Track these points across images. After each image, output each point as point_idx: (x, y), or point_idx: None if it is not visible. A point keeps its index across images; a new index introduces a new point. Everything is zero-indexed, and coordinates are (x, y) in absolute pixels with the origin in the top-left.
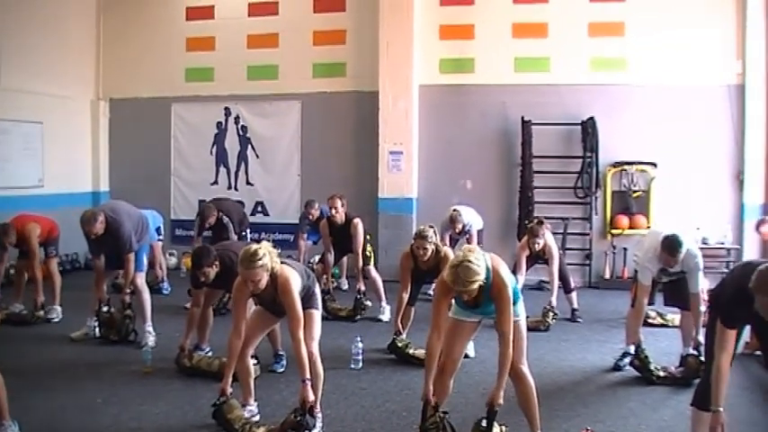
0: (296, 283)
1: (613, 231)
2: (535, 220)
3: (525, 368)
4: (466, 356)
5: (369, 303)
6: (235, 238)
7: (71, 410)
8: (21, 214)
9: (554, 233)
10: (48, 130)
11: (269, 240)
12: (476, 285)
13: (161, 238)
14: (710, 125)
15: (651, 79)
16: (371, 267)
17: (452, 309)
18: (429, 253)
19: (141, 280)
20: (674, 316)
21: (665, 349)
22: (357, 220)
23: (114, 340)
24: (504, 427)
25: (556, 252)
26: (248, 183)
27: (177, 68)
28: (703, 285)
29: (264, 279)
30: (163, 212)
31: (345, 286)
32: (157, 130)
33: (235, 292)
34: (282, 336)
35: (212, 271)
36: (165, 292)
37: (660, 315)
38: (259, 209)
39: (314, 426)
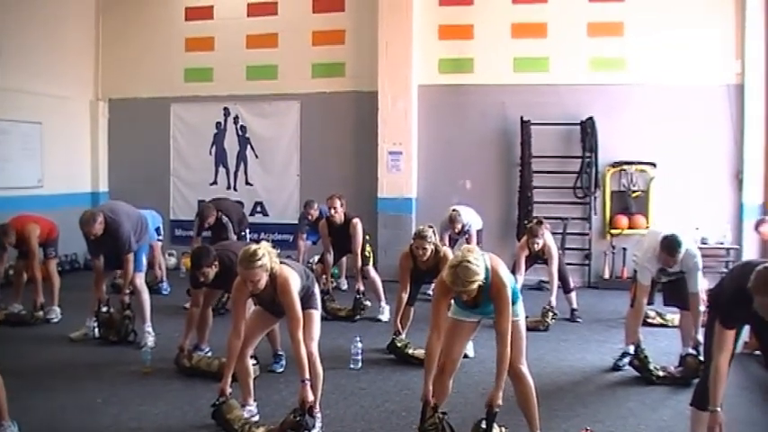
0: (295, 283)
1: (613, 231)
2: (534, 220)
3: (524, 368)
4: (465, 356)
5: (368, 303)
6: (234, 238)
7: (71, 411)
8: (20, 215)
9: (553, 233)
10: (47, 131)
11: (268, 240)
12: (475, 285)
13: (160, 238)
14: (710, 125)
15: (650, 79)
16: (370, 267)
17: (452, 309)
18: (428, 253)
19: (140, 280)
20: (674, 316)
21: (664, 349)
22: (356, 221)
23: (114, 341)
24: (503, 428)
25: (555, 252)
26: (247, 183)
27: (176, 69)
28: (702, 285)
29: (264, 279)
30: (162, 213)
31: (345, 286)
32: (157, 130)
33: (234, 293)
34: (282, 336)
35: (211, 271)
36: (164, 292)
37: (659, 315)
38: (258, 209)
39: (313, 426)
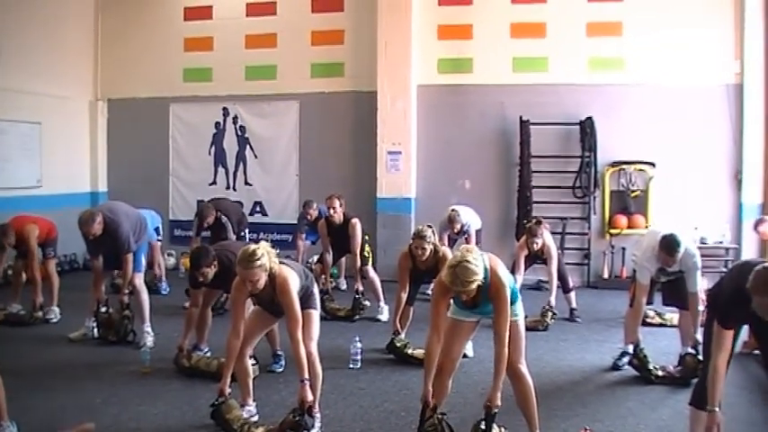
0: (294, 283)
1: (612, 231)
2: (533, 220)
3: (524, 368)
4: (464, 356)
5: (367, 303)
6: (233, 238)
7: (70, 411)
8: (19, 215)
9: (552, 233)
10: (46, 131)
11: (267, 240)
12: (474, 285)
13: (160, 238)
14: (709, 125)
15: (649, 79)
16: (369, 267)
17: (451, 308)
18: (427, 253)
19: (140, 280)
20: (673, 315)
21: (663, 349)
22: (355, 221)
23: (113, 341)
24: (503, 429)
25: (554, 252)
26: (247, 183)
27: (175, 69)
28: (701, 285)
29: (263, 279)
30: (161, 213)
31: (344, 286)
32: (156, 130)
33: (233, 292)
34: (281, 336)
35: (211, 271)
36: (163, 292)
37: (659, 314)
38: (257, 209)
39: (312, 426)
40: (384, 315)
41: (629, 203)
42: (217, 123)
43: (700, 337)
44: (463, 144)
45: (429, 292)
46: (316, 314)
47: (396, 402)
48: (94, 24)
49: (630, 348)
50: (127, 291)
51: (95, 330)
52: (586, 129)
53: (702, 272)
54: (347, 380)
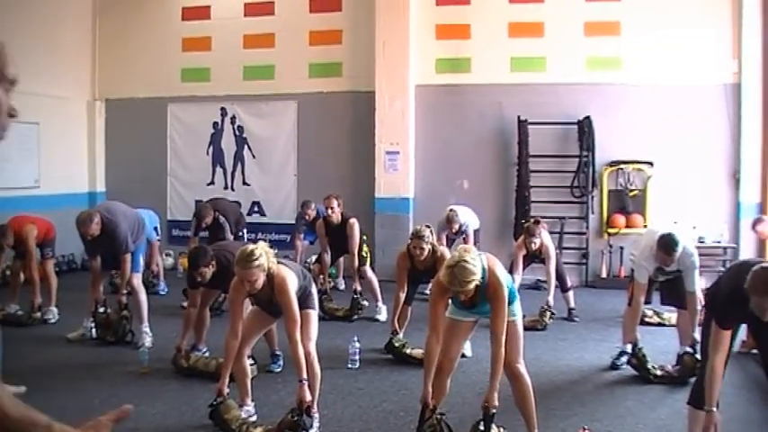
0: (292, 283)
1: (610, 230)
2: (532, 220)
3: (522, 367)
4: (463, 356)
5: (366, 303)
6: (231, 238)
7: (69, 411)
8: (17, 215)
9: (551, 232)
10: (44, 131)
11: (265, 240)
12: (472, 285)
13: (159, 238)
14: (707, 124)
15: (647, 78)
16: (367, 268)
17: (449, 308)
18: (425, 253)
19: (138, 281)
20: (671, 314)
21: (662, 348)
22: (353, 221)
23: (111, 341)
24: (502, 429)
25: (552, 251)
26: (245, 183)
27: (173, 69)
28: (700, 284)
29: (261, 279)
30: (159, 213)
31: (342, 286)
32: (154, 130)
33: (231, 293)
34: (279, 336)
35: (209, 271)
36: (161, 292)
37: (657, 314)
38: (255, 209)
39: (311, 426)
40: (382, 315)
41: (628, 203)
42: (215, 123)
43: (698, 336)
44: (461, 144)
45: (427, 291)
46: (314, 314)
47: (394, 402)
48: (92, 25)
49: (629, 348)
50: (125, 291)
51: (94, 331)
52: (584, 128)
53: (700, 271)
54: (346, 380)
